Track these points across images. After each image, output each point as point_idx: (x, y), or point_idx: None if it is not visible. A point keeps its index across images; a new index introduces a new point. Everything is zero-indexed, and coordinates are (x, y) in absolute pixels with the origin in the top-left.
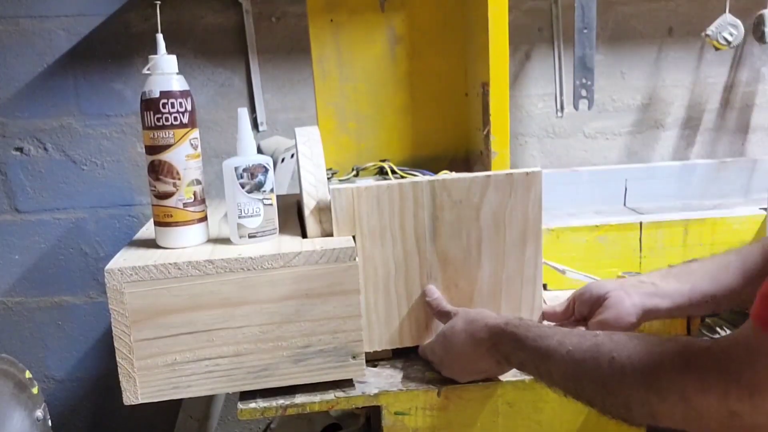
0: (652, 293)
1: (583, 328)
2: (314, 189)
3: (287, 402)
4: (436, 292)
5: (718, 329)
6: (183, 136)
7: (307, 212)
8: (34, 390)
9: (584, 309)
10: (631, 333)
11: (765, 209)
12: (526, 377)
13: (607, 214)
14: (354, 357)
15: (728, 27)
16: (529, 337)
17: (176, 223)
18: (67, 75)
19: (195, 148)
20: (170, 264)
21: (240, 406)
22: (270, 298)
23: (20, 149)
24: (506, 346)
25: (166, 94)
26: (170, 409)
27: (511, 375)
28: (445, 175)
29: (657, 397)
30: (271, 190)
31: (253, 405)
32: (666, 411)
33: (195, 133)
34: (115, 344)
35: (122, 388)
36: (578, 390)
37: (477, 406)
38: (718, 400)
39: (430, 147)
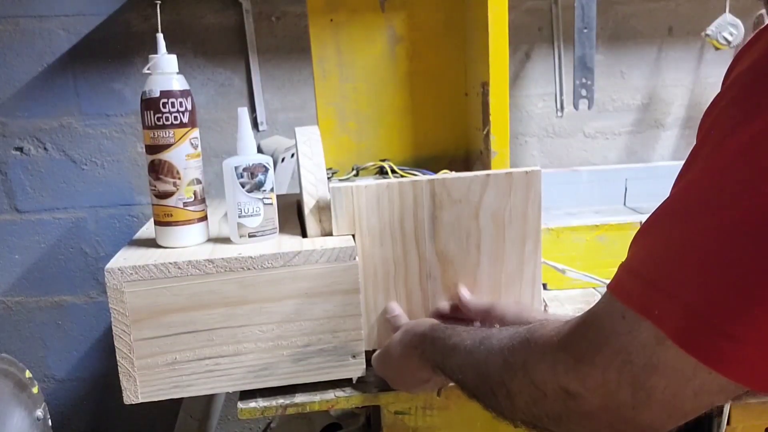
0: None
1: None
2: (314, 188)
3: (287, 401)
4: (396, 309)
5: None
6: (183, 135)
7: (307, 211)
8: (34, 389)
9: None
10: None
11: None
12: None
13: (607, 213)
14: (354, 356)
15: (728, 27)
16: (444, 338)
17: (176, 223)
18: (67, 75)
19: (195, 147)
20: (170, 263)
21: (240, 405)
22: (270, 298)
23: (20, 149)
24: (430, 350)
25: (167, 94)
26: (170, 408)
27: None
28: (444, 174)
29: (507, 373)
30: (271, 190)
31: (253, 404)
32: (517, 389)
33: (195, 132)
34: (116, 344)
35: (122, 388)
36: (466, 382)
37: (477, 406)
38: (549, 368)
39: (430, 147)
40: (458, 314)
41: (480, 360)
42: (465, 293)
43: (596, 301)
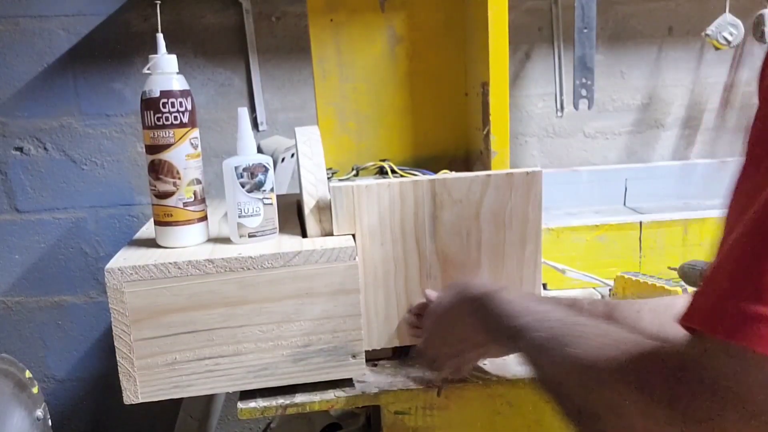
0: None
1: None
2: (314, 188)
3: (287, 401)
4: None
5: None
6: (183, 135)
7: (307, 211)
8: (34, 389)
9: None
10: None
11: None
12: (526, 377)
13: (607, 213)
14: (354, 356)
15: (728, 27)
16: (507, 316)
17: (176, 223)
18: (67, 75)
19: (195, 147)
20: (170, 263)
21: (240, 405)
22: (270, 298)
23: (20, 149)
24: (490, 321)
25: (167, 94)
26: (170, 408)
27: (511, 375)
28: (445, 174)
29: (601, 402)
30: (271, 190)
31: (253, 404)
32: (610, 424)
33: (195, 132)
34: (116, 344)
35: (122, 388)
36: (542, 375)
37: (477, 406)
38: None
39: (430, 147)
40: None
41: (564, 369)
42: (431, 294)
43: (679, 343)
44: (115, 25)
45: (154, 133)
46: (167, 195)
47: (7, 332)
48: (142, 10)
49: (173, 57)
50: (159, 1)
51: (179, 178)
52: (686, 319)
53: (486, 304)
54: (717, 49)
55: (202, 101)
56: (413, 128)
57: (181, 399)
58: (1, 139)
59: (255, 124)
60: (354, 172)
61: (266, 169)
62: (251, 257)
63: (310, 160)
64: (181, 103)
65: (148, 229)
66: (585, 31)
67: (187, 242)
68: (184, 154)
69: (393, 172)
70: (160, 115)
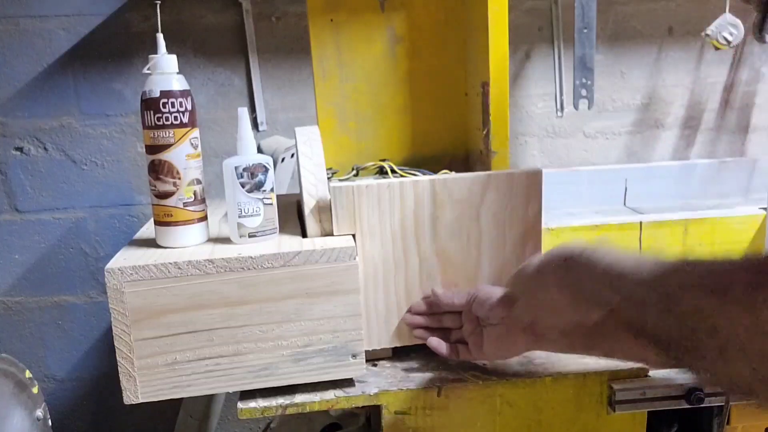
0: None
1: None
2: (314, 188)
3: (287, 401)
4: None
5: None
6: (183, 135)
7: (307, 211)
8: (34, 389)
9: (480, 312)
10: None
11: (765, 209)
12: (527, 378)
13: (607, 213)
14: (354, 356)
15: (728, 27)
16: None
17: (176, 223)
18: (67, 75)
19: (195, 147)
20: (170, 263)
21: (240, 405)
22: (270, 298)
23: (20, 149)
24: (580, 271)
25: (167, 94)
26: (170, 408)
27: (511, 374)
28: (445, 174)
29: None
30: (272, 190)
31: (253, 404)
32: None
33: (195, 132)
34: (116, 344)
35: (122, 388)
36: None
37: (477, 406)
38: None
39: (430, 147)
40: (436, 309)
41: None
42: (438, 290)
43: None
44: (115, 25)
45: (154, 133)
46: (167, 195)
47: (7, 332)
48: (142, 10)
49: (173, 57)
50: (159, 1)
51: (179, 178)
52: None
53: (574, 264)
54: (717, 49)
55: (202, 101)
56: (413, 128)
57: (181, 399)
58: (1, 139)
59: (255, 124)
60: (354, 172)
61: (266, 169)
62: (251, 257)
63: (310, 160)
64: (181, 103)
65: (148, 229)
66: (585, 31)
67: (187, 242)
68: (184, 154)
69: (393, 172)
70: (160, 115)
